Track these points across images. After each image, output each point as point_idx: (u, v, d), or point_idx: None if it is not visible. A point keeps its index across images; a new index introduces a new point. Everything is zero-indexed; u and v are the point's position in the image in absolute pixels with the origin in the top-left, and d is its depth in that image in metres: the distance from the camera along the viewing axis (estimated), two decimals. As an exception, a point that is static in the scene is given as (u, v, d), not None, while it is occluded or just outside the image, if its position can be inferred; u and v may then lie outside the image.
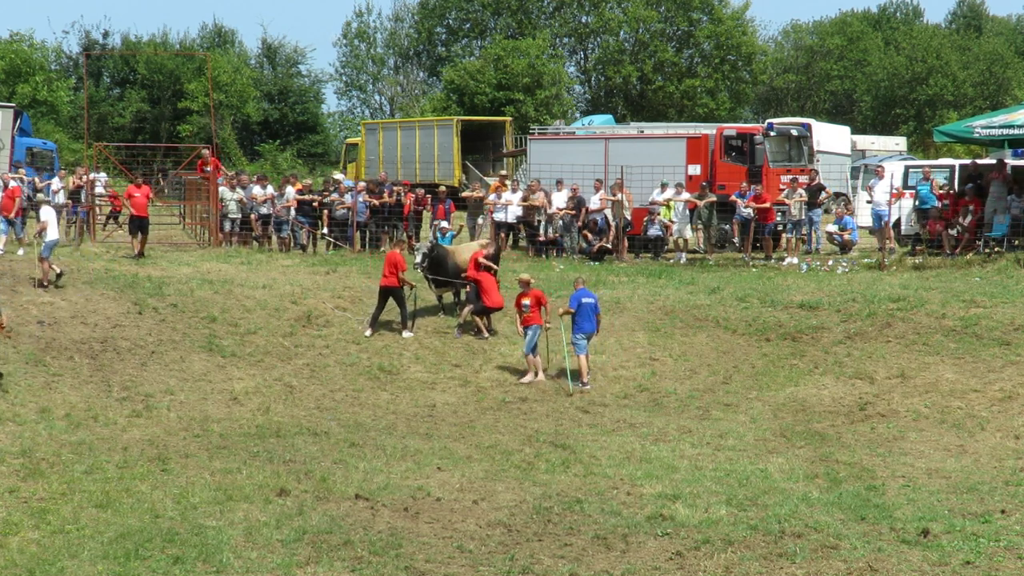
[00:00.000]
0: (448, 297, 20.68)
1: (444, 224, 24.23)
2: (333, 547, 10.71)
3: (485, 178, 33.23)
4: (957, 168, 26.55)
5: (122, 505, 11.82)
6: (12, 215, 22.17)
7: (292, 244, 25.10)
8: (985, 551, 10.53)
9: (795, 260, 24.48)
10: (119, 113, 57.05)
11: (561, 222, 25.73)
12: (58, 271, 18.92)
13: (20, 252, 21.24)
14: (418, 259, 19.87)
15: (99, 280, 19.54)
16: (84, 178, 25.16)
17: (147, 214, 23.02)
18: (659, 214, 25.74)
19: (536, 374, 17.78)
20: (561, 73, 58.62)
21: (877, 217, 24.92)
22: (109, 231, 25.81)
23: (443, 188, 27.66)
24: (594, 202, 25.75)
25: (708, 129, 28.25)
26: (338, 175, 33.89)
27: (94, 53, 58.51)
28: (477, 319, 19.41)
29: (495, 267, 19.95)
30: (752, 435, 15.04)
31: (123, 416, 15.17)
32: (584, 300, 17.75)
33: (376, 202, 25.50)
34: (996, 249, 23.17)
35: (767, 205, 25.01)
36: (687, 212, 25.66)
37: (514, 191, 26.58)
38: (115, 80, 61.67)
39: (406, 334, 19.11)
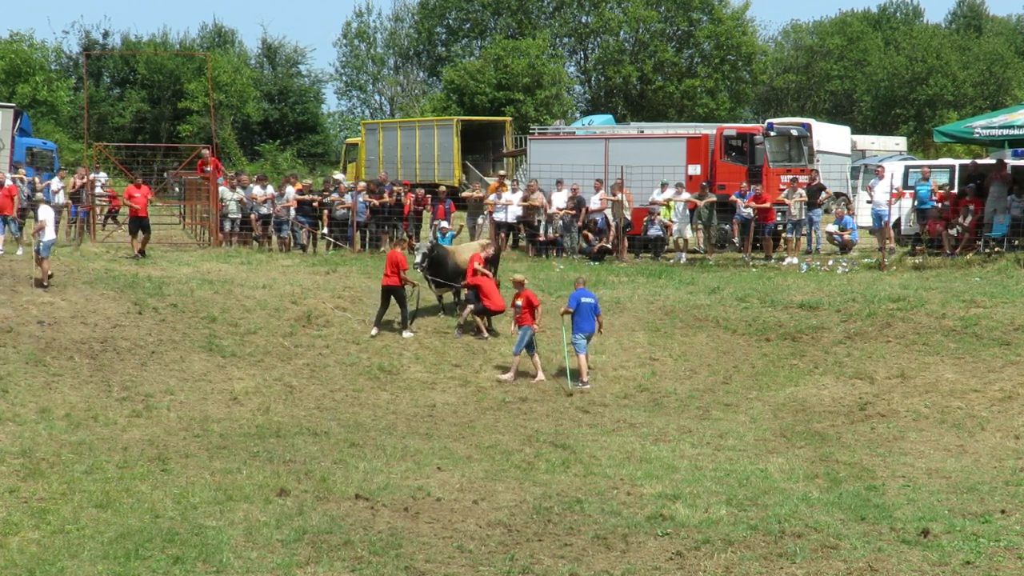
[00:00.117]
0: (448, 297, 20.68)
1: (444, 224, 24.24)
2: (333, 547, 10.71)
3: (485, 178, 33.23)
4: (957, 168, 26.56)
5: (122, 505, 11.83)
6: (10, 214, 22.15)
7: (292, 244, 25.10)
8: (985, 551, 10.53)
9: (795, 260, 24.49)
10: (119, 113, 57.06)
11: (561, 222, 25.73)
12: (40, 279, 18.81)
13: (19, 252, 21.24)
14: (418, 259, 19.88)
15: (99, 280, 19.54)
16: (85, 178, 25.15)
17: (147, 214, 23.02)
18: (659, 214, 25.74)
19: (514, 374, 17.75)
20: (561, 73, 58.63)
21: (877, 217, 24.92)
22: (109, 231, 25.80)
23: (443, 188, 27.66)
24: (594, 202, 25.76)
25: (708, 129, 28.26)
26: (338, 175, 33.89)
27: (94, 53, 58.53)
28: (478, 319, 19.42)
29: (488, 274, 19.90)
30: (752, 435, 15.04)
31: (123, 416, 15.17)
32: (583, 300, 17.76)
33: (376, 202, 25.50)
34: (996, 249, 23.17)
35: (767, 205, 25.01)
36: (687, 212, 25.66)
37: (514, 191, 26.58)
38: (115, 80, 61.69)
39: (406, 334, 19.11)
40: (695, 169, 26.40)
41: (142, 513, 11.61)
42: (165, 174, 33.43)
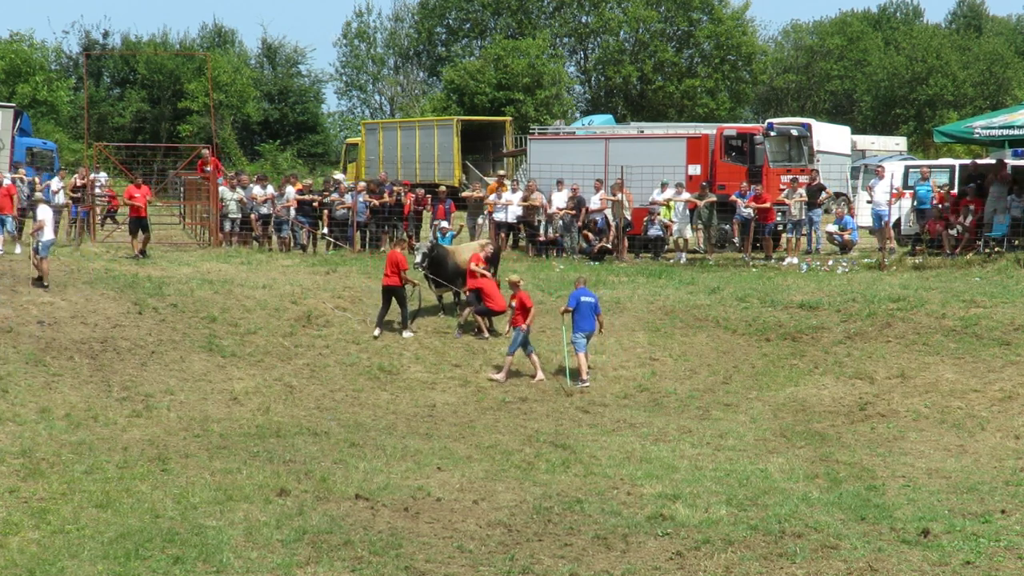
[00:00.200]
0: (448, 297, 20.69)
1: (444, 224, 24.25)
2: (333, 547, 10.71)
3: (485, 178, 33.23)
4: (957, 168, 26.57)
5: (122, 505, 11.83)
6: (9, 213, 22.16)
7: (292, 244, 25.10)
8: (985, 551, 10.53)
9: (795, 260, 24.49)
10: (119, 113, 57.05)
11: (561, 222, 25.73)
12: (37, 278, 18.81)
13: (17, 250, 21.22)
14: (418, 259, 19.89)
15: (99, 280, 19.54)
16: (86, 179, 25.15)
17: (147, 214, 23.01)
18: (659, 214, 25.74)
19: (505, 374, 17.75)
20: (561, 73, 58.61)
21: (877, 217, 24.92)
22: (109, 231, 25.81)
23: (443, 188, 27.66)
24: (594, 202, 25.76)
25: (708, 129, 28.25)
26: (338, 175, 33.88)
27: (94, 53, 58.51)
28: (479, 318, 19.42)
29: (487, 274, 19.88)
30: (752, 435, 15.04)
31: (123, 416, 15.17)
32: (583, 299, 17.78)
33: (376, 202, 25.50)
34: (996, 249, 23.17)
35: (767, 205, 25.01)
36: (687, 212, 25.66)
37: (514, 191, 26.58)
38: (115, 80, 61.67)
39: (406, 334, 19.12)
40: (695, 169, 26.40)
41: (142, 513, 11.61)
42: (168, 173, 33.40)
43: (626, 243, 25.71)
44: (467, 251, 20.59)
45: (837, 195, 32.43)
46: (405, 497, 12.22)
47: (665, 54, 60.60)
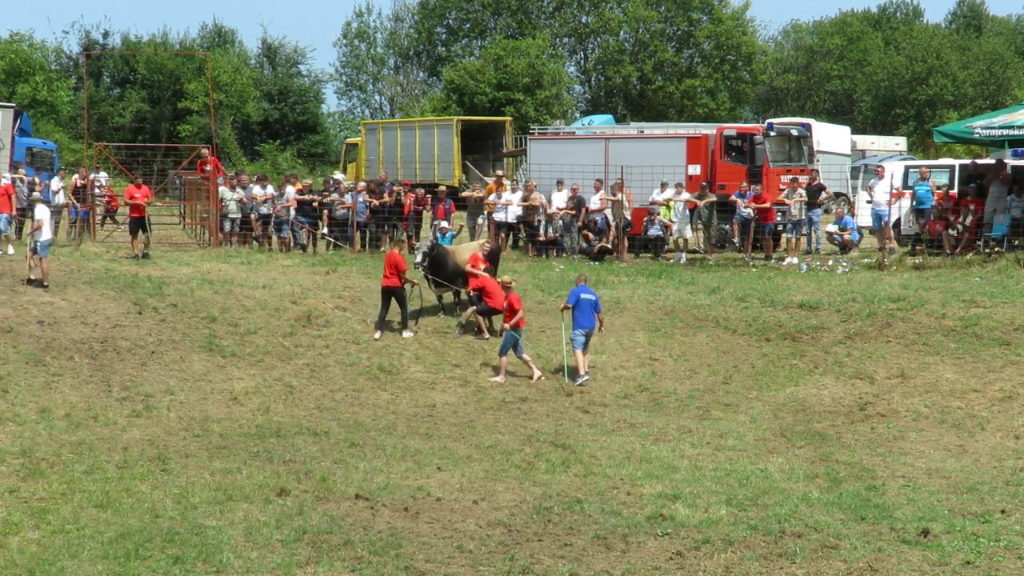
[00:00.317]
0: (448, 297, 20.69)
1: (444, 224, 24.25)
2: (333, 547, 10.71)
3: (485, 178, 33.23)
4: (957, 168, 26.57)
5: (122, 505, 11.83)
6: (8, 213, 22.18)
7: (292, 244, 25.11)
8: (985, 551, 10.53)
9: (795, 260, 24.49)
10: (119, 113, 57.05)
11: (561, 222, 25.74)
12: (32, 278, 18.78)
13: (10, 251, 21.15)
14: (418, 258, 19.90)
15: (99, 280, 19.54)
16: (87, 178, 25.16)
17: (144, 214, 22.99)
18: (659, 214, 25.74)
19: (503, 376, 17.76)
20: (561, 73, 58.61)
21: (877, 217, 24.93)
22: (109, 231, 25.81)
23: (443, 188, 27.66)
24: (594, 202, 25.76)
25: (708, 129, 28.24)
26: (338, 175, 33.87)
27: (94, 53, 58.51)
28: (480, 318, 19.42)
29: (486, 275, 19.86)
30: (752, 435, 15.04)
31: (123, 416, 15.17)
32: (583, 296, 17.81)
33: (376, 202, 25.50)
34: (996, 249, 23.17)
35: (767, 205, 25.01)
36: (687, 212, 25.66)
37: (514, 191, 26.57)
38: (115, 80, 61.68)
39: (406, 334, 19.12)
40: (695, 169, 26.40)
41: (142, 513, 11.61)
42: (168, 173, 33.39)
43: (626, 243, 25.71)
44: (467, 251, 20.59)
45: (837, 195, 32.43)
46: (405, 497, 12.22)
47: (665, 54, 60.60)
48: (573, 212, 25.61)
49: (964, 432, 14.97)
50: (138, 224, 22.81)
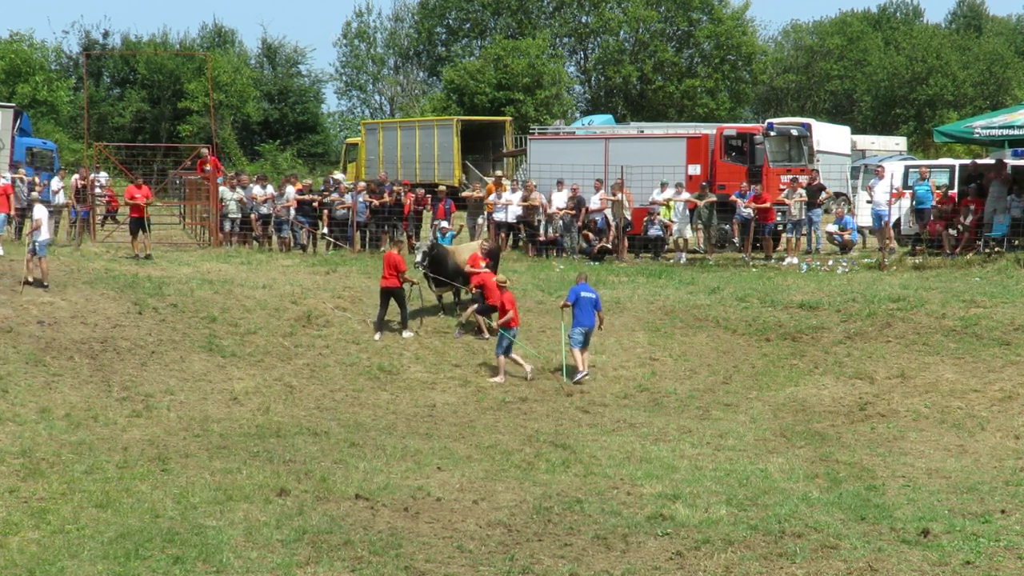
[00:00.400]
0: (448, 297, 20.69)
1: (444, 224, 24.25)
2: (333, 547, 10.71)
3: (485, 178, 33.23)
4: (957, 168, 26.57)
5: (122, 505, 11.83)
6: (6, 212, 22.19)
7: (292, 244, 25.11)
8: (985, 551, 10.53)
9: (795, 260, 24.49)
10: (119, 113, 57.05)
11: (561, 222, 25.74)
12: (30, 279, 18.76)
13: (0, 251, 21.11)
14: (418, 258, 19.90)
15: (99, 280, 19.54)
16: (87, 178, 25.16)
17: (143, 214, 22.97)
18: (659, 214, 25.74)
19: (503, 376, 17.78)
20: (561, 73, 58.61)
21: (877, 217, 24.93)
22: (109, 231, 25.81)
23: (443, 188, 27.66)
24: (594, 202, 25.76)
25: (708, 129, 28.24)
26: (338, 175, 33.85)
27: (94, 53, 58.51)
28: (479, 318, 19.42)
29: (482, 270, 19.86)
30: (752, 435, 15.04)
31: (123, 416, 15.17)
32: (583, 294, 17.83)
33: (376, 202, 25.50)
34: (996, 249, 23.18)
35: (767, 205, 25.01)
36: (687, 212, 25.67)
37: (514, 191, 26.57)
38: (115, 80, 61.69)
39: (406, 334, 19.12)
40: (695, 169, 26.40)
41: (142, 513, 11.61)
42: (168, 173, 33.39)
43: (626, 243, 25.71)
44: (467, 251, 20.59)
45: (837, 195, 32.42)
46: (405, 497, 12.22)
47: (665, 54, 60.60)
48: (573, 212, 25.61)
49: (964, 432, 14.97)
50: (138, 224, 22.81)
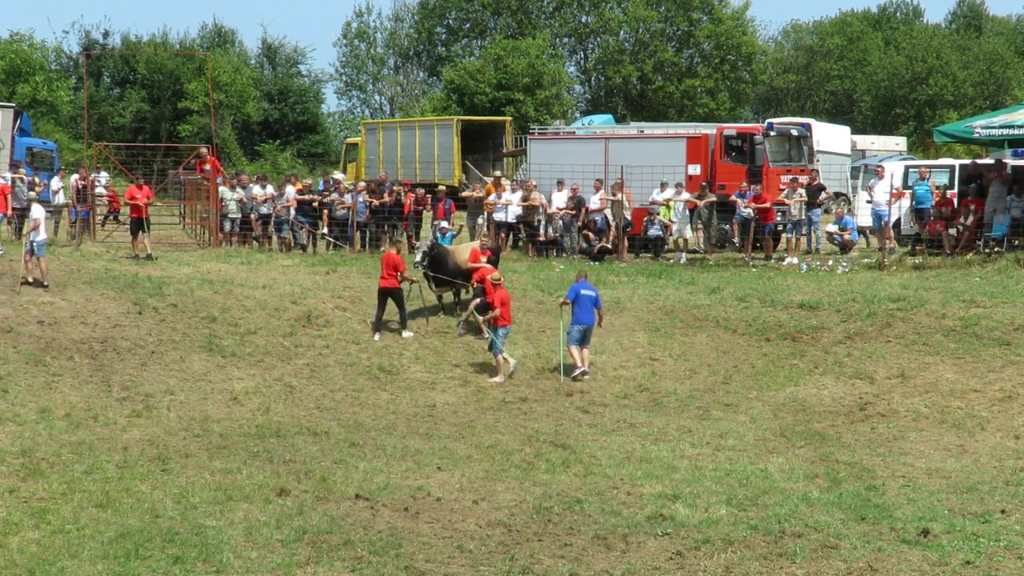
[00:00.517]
0: (448, 297, 20.69)
1: (444, 224, 24.24)
2: (333, 547, 10.71)
3: (485, 178, 33.24)
4: (957, 168, 26.57)
5: (122, 505, 11.83)
6: (4, 212, 22.18)
7: (292, 244, 25.11)
8: (985, 551, 10.53)
9: (795, 260, 24.49)
10: (119, 113, 57.02)
11: (561, 222, 25.74)
12: (30, 279, 18.75)
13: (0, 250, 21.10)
14: (418, 258, 19.90)
15: (99, 280, 19.54)
16: (87, 179, 25.16)
17: (143, 215, 22.96)
18: (659, 214, 25.74)
19: (501, 374, 17.78)
20: (561, 73, 58.59)
21: (877, 217, 24.93)
22: (109, 231, 25.81)
23: (443, 188, 27.66)
24: (594, 202, 25.76)
25: (708, 129, 28.24)
26: (338, 175, 33.84)
27: (94, 53, 58.48)
28: (479, 318, 19.39)
29: (484, 265, 19.84)
30: (752, 435, 15.04)
31: (123, 416, 15.17)
32: (583, 292, 17.85)
33: (376, 202, 25.50)
34: (996, 249, 23.18)
35: (767, 205, 25.01)
36: (687, 212, 25.67)
37: (514, 191, 26.57)
38: (115, 80, 61.65)
39: (406, 334, 19.12)
40: (695, 169, 26.40)
41: (142, 513, 11.61)
42: (168, 173, 33.40)
43: (626, 243, 25.71)
44: (466, 251, 20.59)
45: (837, 195, 32.43)
46: (405, 497, 12.22)
47: (665, 54, 60.58)
48: (573, 212, 25.61)
49: (964, 432, 14.97)
50: (139, 224, 22.80)
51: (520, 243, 26.75)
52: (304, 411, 16.05)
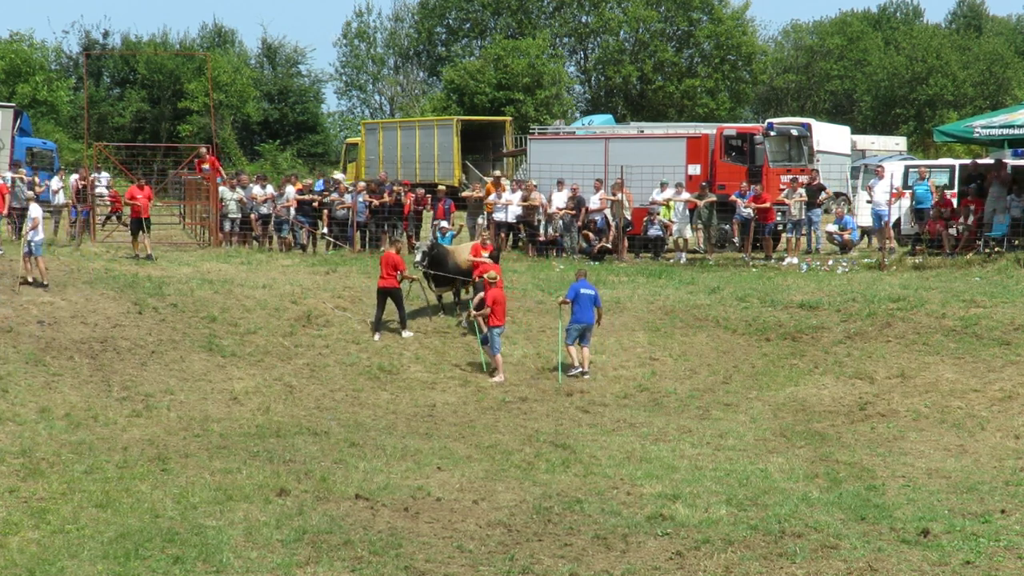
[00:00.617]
0: (448, 297, 20.70)
1: (444, 224, 24.24)
2: (333, 547, 10.71)
3: (485, 178, 33.24)
4: (957, 168, 26.57)
5: (122, 505, 11.83)
6: (2, 212, 22.18)
7: (292, 244, 25.11)
8: (985, 551, 10.53)
9: (795, 260, 24.49)
10: (119, 113, 57.02)
11: (561, 222, 25.74)
12: (29, 279, 18.73)
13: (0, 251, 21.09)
14: (418, 258, 19.91)
15: (99, 280, 19.54)
16: (87, 179, 25.16)
17: (144, 215, 22.96)
18: (659, 214, 25.74)
19: (501, 373, 17.79)
20: (561, 73, 58.60)
21: (877, 217, 24.93)
22: (109, 231, 25.82)
23: (443, 188, 27.66)
24: (594, 202, 25.76)
25: (708, 129, 28.23)
26: (338, 175, 33.83)
27: (94, 53, 58.47)
28: (479, 318, 19.38)
29: (485, 260, 19.83)
30: (752, 435, 15.04)
31: (123, 416, 15.17)
32: (583, 291, 17.86)
33: (376, 202, 25.50)
34: (996, 249, 23.18)
35: (767, 205, 25.01)
36: (687, 212, 25.67)
37: (514, 191, 26.57)
38: (115, 80, 61.65)
39: (406, 334, 19.12)
40: (695, 169, 26.40)
41: (142, 513, 11.61)
42: (168, 173, 33.41)
43: (626, 243, 25.71)
44: (467, 251, 20.59)
45: (837, 195, 32.43)
46: (405, 497, 12.22)
47: (665, 54, 60.59)
48: (573, 212, 25.61)
49: (964, 432, 14.97)
50: (139, 225, 22.80)
51: (520, 243, 26.75)
52: (304, 411, 16.05)
